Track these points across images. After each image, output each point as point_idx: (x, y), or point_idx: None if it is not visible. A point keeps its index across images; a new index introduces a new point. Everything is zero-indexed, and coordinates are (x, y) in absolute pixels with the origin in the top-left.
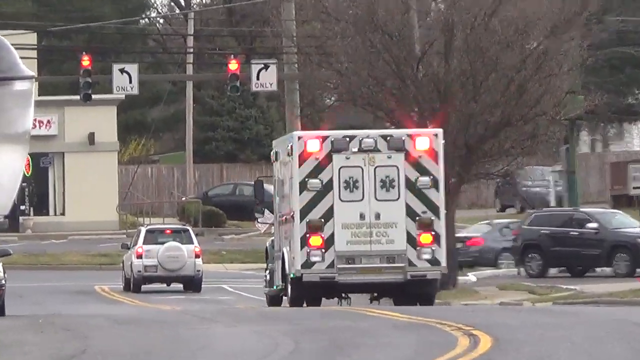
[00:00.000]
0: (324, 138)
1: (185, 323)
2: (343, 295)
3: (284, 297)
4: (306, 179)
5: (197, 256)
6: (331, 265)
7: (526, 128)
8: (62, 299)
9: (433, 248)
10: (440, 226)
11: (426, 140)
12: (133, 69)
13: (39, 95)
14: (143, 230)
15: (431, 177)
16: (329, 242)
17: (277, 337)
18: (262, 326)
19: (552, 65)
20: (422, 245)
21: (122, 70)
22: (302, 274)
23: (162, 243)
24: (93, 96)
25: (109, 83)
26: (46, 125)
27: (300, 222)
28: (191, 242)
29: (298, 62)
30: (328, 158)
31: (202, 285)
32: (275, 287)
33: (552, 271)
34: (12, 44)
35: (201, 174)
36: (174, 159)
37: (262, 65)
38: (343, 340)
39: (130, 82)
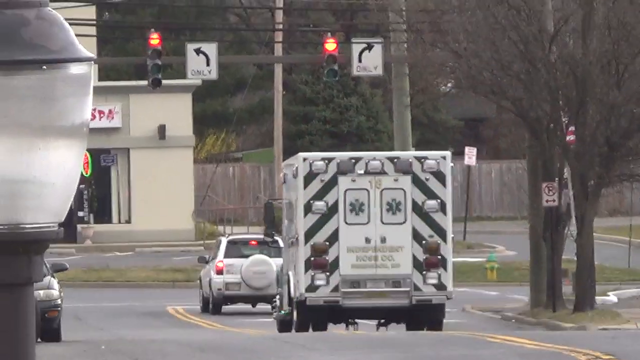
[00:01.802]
0: (330, 160)
1: (275, 351)
2: (350, 320)
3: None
4: (311, 201)
5: None
6: (335, 289)
7: None
8: (128, 321)
9: (439, 272)
10: (447, 250)
11: (434, 162)
12: (211, 49)
13: (98, 81)
14: (224, 241)
15: (438, 200)
16: (333, 266)
17: None
18: (365, 355)
19: None
20: (428, 270)
21: (197, 51)
22: (306, 298)
23: (247, 256)
24: (163, 82)
25: (183, 66)
26: (108, 117)
27: (305, 244)
28: (280, 255)
29: (407, 42)
30: (334, 180)
31: None
32: (282, 312)
33: None
34: (67, 19)
35: None
36: (260, 157)
37: (365, 45)
38: None
39: (208, 65)
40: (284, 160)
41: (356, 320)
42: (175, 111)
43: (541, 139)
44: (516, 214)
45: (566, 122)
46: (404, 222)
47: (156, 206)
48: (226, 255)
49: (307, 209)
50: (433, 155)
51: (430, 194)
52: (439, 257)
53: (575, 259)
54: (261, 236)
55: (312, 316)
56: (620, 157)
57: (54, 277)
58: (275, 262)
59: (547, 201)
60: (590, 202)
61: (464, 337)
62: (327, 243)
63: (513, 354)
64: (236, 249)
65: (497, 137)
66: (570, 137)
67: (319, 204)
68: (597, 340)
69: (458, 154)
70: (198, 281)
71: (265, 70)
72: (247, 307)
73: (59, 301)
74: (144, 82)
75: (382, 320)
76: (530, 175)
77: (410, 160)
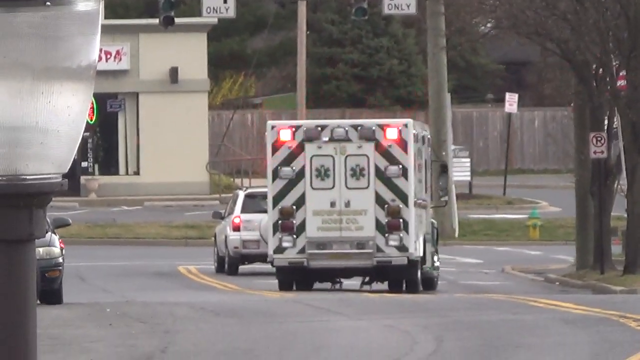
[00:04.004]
0: (297, 127)
1: (297, 315)
2: (336, 280)
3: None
4: (279, 167)
5: None
6: (302, 250)
7: None
8: (136, 282)
9: (401, 235)
10: (409, 213)
11: (395, 130)
12: None
13: (105, 19)
14: (241, 194)
15: (400, 166)
16: (300, 229)
17: (414, 333)
18: (395, 319)
19: None
20: (390, 232)
21: None
22: (273, 259)
23: (266, 212)
24: (176, 20)
25: (198, 3)
26: (115, 58)
27: (273, 208)
28: None
29: None
30: (300, 147)
31: None
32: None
33: None
34: None
35: None
36: (282, 103)
37: None
38: (499, 338)
39: (225, 2)
40: (307, 107)
41: (341, 280)
42: (189, 52)
43: (589, 84)
44: (561, 166)
45: (617, 66)
46: (367, 187)
47: (167, 156)
48: (243, 210)
49: (275, 174)
50: (395, 123)
51: (393, 160)
52: (401, 220)
53: (626, 215)
54: None
55: (280, 277)
56: None
57: (55, 234)
58: None
59: (595, 153)
60: None
61: (503, 301)
62: (294, 207)
63: (557, 320)
64: (254, 203)
65: (541, 83)
66: (621, 83)
67: (287, 170)
68: None
69: (498, 101)
70: (212, 238)
71: (288, 8)
72: (266, 266)
73: (60, 260)
74: (155, 21)
75: (367, 279)
76: (576, 125)
77: (373, 127)
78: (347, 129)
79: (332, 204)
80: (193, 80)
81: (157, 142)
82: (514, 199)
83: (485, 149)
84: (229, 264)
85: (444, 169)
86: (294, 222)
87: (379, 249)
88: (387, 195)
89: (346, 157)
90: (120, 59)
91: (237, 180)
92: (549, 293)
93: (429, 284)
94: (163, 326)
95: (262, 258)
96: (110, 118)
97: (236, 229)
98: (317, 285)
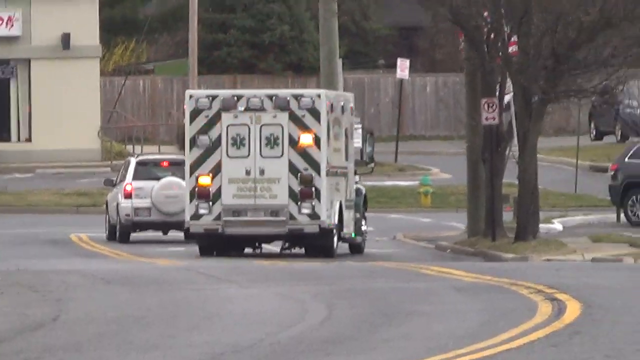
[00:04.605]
0: (214, 97)
1: (188, 283)
2: (256, 244)
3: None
4: (196, 136)
5: None
6: (218, 217)
7: (632, 30)
8: (27, 250)
9: (313, 203)
10: (321, 182)
11: (309, 100)
12: None
13: None
14: (133, 161)
15: (313, 135)
16: (216, 196)
17: (306, 301)
18: (287, 287)
19: None
20: (303, 200)
21: None
22: (190, 225)
23: (158, 179)
24: None
25: None
26: (7, 24)
27: (190, 176)
28: None
29: None
30: (217, 116)
31: None
32: None
33: None
34: None
35: (209, 88)
36: (174, 69)
37: None
38: (390, 305)
39: None
40: (199, 73)
41: (260, 245)
42: (81, 19)
43: (480, 50)
44: (453, 133)
45: (508, 32)
46: (281, 156)
47: (59, 123)
48: (135, 178)
49: (192, 142)
50: (309, 93)
51: (306, 129)
52: (313, 188)
53: (517, 183)
54: (173, 157)
55: (200, 242)
56: (567, 70)
57: None
58: None
59: (486, 119)
60: (534, 120)
61: (395, 269)
62: (211, 175)
63: (449, 287)
64: (146, 170)
65: (433, 48)
66: (513, 49)
67: (203, 138)
68: (540, 272)
69: (390, 67)
70: (104, 206)
71: None
72: (158, 234)
73: None
74: None
75: (286, 244)
76: (468, 91)
77: (287, 97)
78: (262, 98)
79: (247, 172)
80: (85, 47)
81: (49, 108)
82: (406, 165)
83: (377, 115)
84: (121, 232)
85: (370, 136)
86: (210, 189)
87: (291, 217)
88: (300, 164)
89: (261, 126)
90: (12, 25)
91: (129, 147)
92: (441, 260)
93: (355, 249)
94: (55, 294)
95: (154, 226)
96: (2, 84)
97: (128, 196)
98: (245, 250)
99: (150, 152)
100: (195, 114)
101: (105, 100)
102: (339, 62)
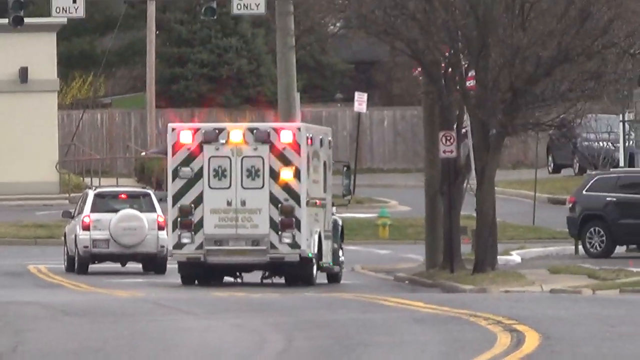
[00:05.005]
0: (196, 130)
1: (146, 314)
2: (237, 273)
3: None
4: (178, 167)
5: (160, 228)
6: (200, 246)
7: (589, 65)
8: None
9: (294, 233)
10: (301, 213)
11: (289, 133)
12: None
13: None
14: (91, 194)
15: (293, 167)
16: (198, 226)
17: (264, 333)
18: (245, 318)
19: None
20: (283, 230)
21: None
22: (172, 254)
23: (116, 211)
24: (25, 20)
25: (47, 3)
26: None
27: (173, 206)
28: (153, 210)
29: None
30: (199, 148)
31: (167, 266)
32: None
33: (620, 250)
34: None
35: (166, 121)
36: (131, 103)
37: None
38: (349, 337)
39: (75, 1)
40: (157, 106)
41: (242, 274)
42: (38, 52)
43: (438, 84)
44: (411, 165)
45: (466, 66)
46: (262, 187)
47: (17, 156)
48: (93, 210)
49: (175, 174)
50: (289, 127)
51: (286, 162)
52: (294, 219)
53: (475, 215)
54: (131, 189)
55: (181, 271)
56: (524, 104)
57: None
58: (147, 217)
59: (444, 152)
60: (492, 153)
61: (353, 300)
62: (193, 205)
63: (407, 319)
64: (104, 202)
65: (390, 82)
66: (471, 83)
67: (186, 170)
68: (498, 303)
69: (347, 100)
70: (62, 238)
71: (137, 7)
72: (116, 266)
73: None
74: (4, 20)
75: (267, 273)
76: (426, 124)
77: (268, 130)
78: (243, 131)
79: (229, 203)
80: (43, 80)
81: (6, 141)
82: (364, 198)
83: (334, 148)
84: (79, 263)
85: (347, 170)
86: (192, 219)
87: (272, 246)
88: (281, 195)
89: (242, 158)
90: None
91: (87, 180)
92: (399, 292)
93: (332, 278)
94: (13, 325)
95: (112, 257)
96: None
97: (86, 228)
98: (224, 280)
99: (108, 185)
100: (177, 146)
101: (63, 133)
102: (297, 95)
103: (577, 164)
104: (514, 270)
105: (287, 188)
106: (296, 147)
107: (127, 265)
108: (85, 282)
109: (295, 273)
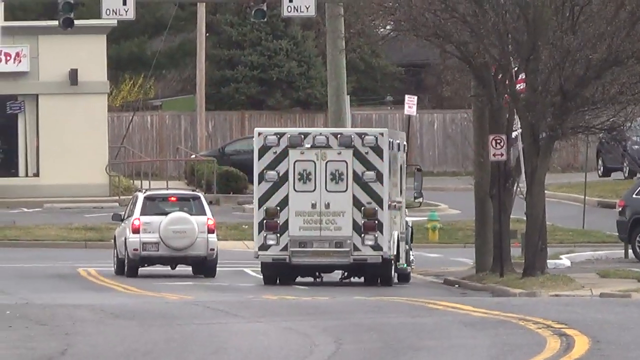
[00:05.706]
0: (282, 134)
1: (195, 317)
2: (317, 274)
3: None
4: (264, 171)
5: (210, 231)
6: (285, 248)
7: (639, 68)
8: (36, 284)
9: (376, 235)
10: (384, 215)
11: (372, 138)
12: None
13: (4, 21)
14: (141, 196)
15: (376, 171)
16: (283, 228)
17: (313, 336)
18: (295, 321)
19: None
20: (366, 233)
21: None
22: (258, 255)
23: (166, 214)
24: (76, 22)
25: (97, 5)
26: (15, 60)
27: (259, 209)
28: (203, 213)
29: None
30: (284, 152)
31: (218, 269)
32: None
33: None
34: None
35: (216, 124)
36: (181, 105)
37: None
38: (398, 340)
39: (125, 3)
40: (206, 109)
41: (321, 274)
42: (89, 54)
43: (488, 87)
44: (460, 169)
45: (516, 69)
46: (346, 191)
47: (67, 158)
48: (143, 213)
49: (261, 177)
50: (372, 132)
51: (369, 166)
52: (376, 221)
53: (525, 218)
54: (181, 192)
55: (265, 272)
56: (574, 107)
57: None
58: (197, 220)
59: (494, 155)
60: (542, 156)
61: (403, 304)
62: (278, 208)
63: (457, 323)
64: (154, 205)
65: (441, 85)
66: (521, 86)
67: (272, 173)
68: (548, 307)
69: (397, 103)
70: (112, 241)
71: (187, 10)
72: (166, 269)
73: None
74: (55, 22)
75: (345, 274)
76: (476, 127)
77: (352, 135)
78: (328, 136)
79: (313, 206)
80: (93, 82)
81: (56, 144)
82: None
83: None
84: (129, 266)
85: (418, 172)
86: (278, 221)
87: (355, 248)
88: (364, 198)
89: (327, 162)
90: (20, 61)
91: (137, 182)
92: (449, 296)
93: (404, 278)
94: (62, 328)
95: (162, 260)
96: (10, 120)
97: (136, 231)
98: (299, 279)
99: (158, 187)
100: (263, 150)
101: (113, 135)
102: (347, 98)
103: (627, 168)
104: (563, 274)
105: (370, 191)
106: (379, 151)
107: (177, 269)
108: (134, 285)
109: (376, 274)
